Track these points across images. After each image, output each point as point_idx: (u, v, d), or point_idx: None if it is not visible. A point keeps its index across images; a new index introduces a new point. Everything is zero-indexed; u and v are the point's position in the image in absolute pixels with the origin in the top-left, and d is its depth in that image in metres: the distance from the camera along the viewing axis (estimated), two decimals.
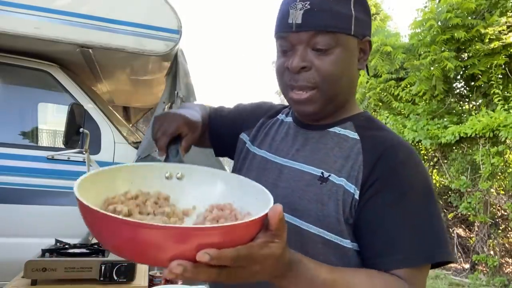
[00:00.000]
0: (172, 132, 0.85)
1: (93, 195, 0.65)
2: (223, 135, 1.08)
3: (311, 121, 0.88)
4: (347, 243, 0.75)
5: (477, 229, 5.46)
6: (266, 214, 0.57)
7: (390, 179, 0.75)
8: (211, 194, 0.75)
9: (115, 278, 1.64)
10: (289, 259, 0.61)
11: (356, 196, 0.75)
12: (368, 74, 0.97)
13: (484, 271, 5.16)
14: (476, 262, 5.21)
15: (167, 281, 2.10)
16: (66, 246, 1.85)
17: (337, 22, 0.77)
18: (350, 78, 0.83)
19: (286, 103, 0.98)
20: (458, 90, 6.31)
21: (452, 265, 5.54)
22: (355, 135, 0.82)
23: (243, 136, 1.02)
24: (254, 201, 0.68)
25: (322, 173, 0.79)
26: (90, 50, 2.75)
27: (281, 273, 0.60)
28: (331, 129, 0.86)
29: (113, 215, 0.52)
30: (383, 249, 0.72)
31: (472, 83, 5.81)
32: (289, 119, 0.96)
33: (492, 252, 5.23)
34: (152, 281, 2.01)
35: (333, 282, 0.65)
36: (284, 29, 0.80)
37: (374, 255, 0.73)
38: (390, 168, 0.75)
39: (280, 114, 1.00)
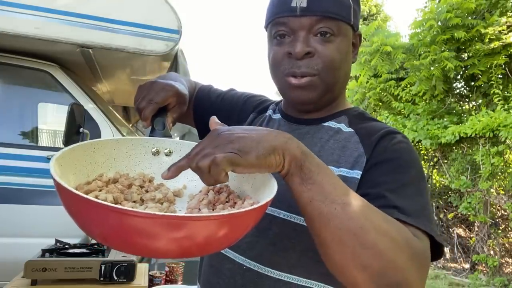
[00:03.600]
0: (159, 102, 0.78)
1: (70, 177, 0.58)
2: (207, 120, 1.02)
3: (304, 112, 0.85)
4: None
5: (477, 229, 5.46)
6: (274, 198, 0.54)
7: (388, 155, 0.74)
8: None
9: (115, 278, 1.64)
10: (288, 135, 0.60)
11: (358, 176, 0.73)
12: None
13: (484, 271, 5.16)
14: (476, 262, 5.21)
15: (167, 281, 2.10)
16: (66, 246, 1.85)
17: (340, 10, 0.77)
18: (347, 69, 0.83)
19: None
20: (458, 90, 6.31)
21: (452, 265, 5.54)
22: (349, 129, 0.82)
23: None
24: (252, 181, 0.64)
25: None
26: (90, 50, 2.75)
27: (288, 137, 0.59)
28: (325, 124, 0.84)
29: (110, 204, 0.46)
30: (385, 205, 0.65)
31: (472, 83, 5.81)
32: (277, 115, 0.92)
33: (492, 252, 5.23)
34: (152, 281, 2.01)
35: (353, 195, 0.60)
36: (285, 13, 0.77)
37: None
38: (388, 147, 0.75)
39: (268, 110, 0.95)
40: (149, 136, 0.76)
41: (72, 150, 0.60)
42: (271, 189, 0.57)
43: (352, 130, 0.81)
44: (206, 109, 1.02)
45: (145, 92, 0.80)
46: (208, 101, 1.03)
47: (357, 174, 0.74)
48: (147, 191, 0.65)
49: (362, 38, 0.89)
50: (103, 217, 0.46)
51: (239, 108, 1.00)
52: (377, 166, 0.73)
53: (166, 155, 0.72)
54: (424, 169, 0.87)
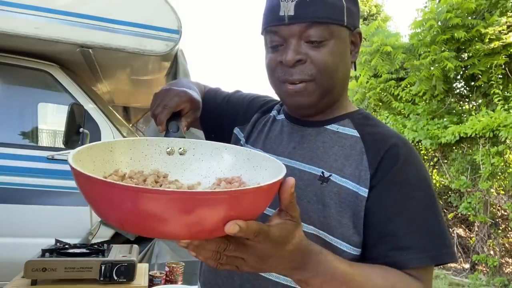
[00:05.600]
0: (173, 106, 0.81)
1: (90, 171, 0.60)
2: (214, 121, 1.04)
3: (305, 116, 0.85)
4: (347, 247, 0.73)
5: (477, 229, 5.46)
6: (282, 179, 0.55)
7: (396, 178, 0.74)
8: (216, 169, 0.72)
9: (115, 278, 1.64)
10: (307, 248, 0.60)
11: (366, 195, 0.74)
12: (355, 70, 0.90)
13: (484, 271, 5.16)
14: (476, 262, 5.21)
15: (167, 281, 2.10)
16: (66, 246, 1.85)
17: (330, 13, 0.76)
18: (345, 71, 0.82)
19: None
20: (458, 90, 6.31)
21: (452, 265, 5.54)
22: (355, 132, 0.81)
23: (237, 132, 0.98)
24: (264, 172, 0.66)
25: (322, 172, 0.77)
26: (90, 50, 2.75)
27: (301, 262, 0.60)
28: (328, 126, 0.84)
29: (127, 184, 0.48)
30: (395, 247, 0.71)
31: (472, 83, 5.81)
32: (282, 116, 0.93)
33: (492, 252, 5.23)
34: (152, 281, 2.01)
35: (352, 275, 0.64)
36: (275, 22, 0.77)
37: (385, 252, 0.72)
38: (395, 167, 0.75)
39: (272, 111, 0.96)
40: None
41: (90, 148, 0.63)
42: (280, 173, 0.58)
43: (358, 136, 0.80)
44: (212, 111, 1.03)
45: (160, 99, 0.82)
46: (214, 103, 1.04)
47: (364, 192, 0.74)
48: (161, 186, 0.67)
49: (362, 38, 0.88)
50: (119, 198, 0.48)
51: (244, 109, 1.01)
52: (385, 191, 0.74)
53: (181, 154, 0.74)
54: None
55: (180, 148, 0.74)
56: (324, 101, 0.81)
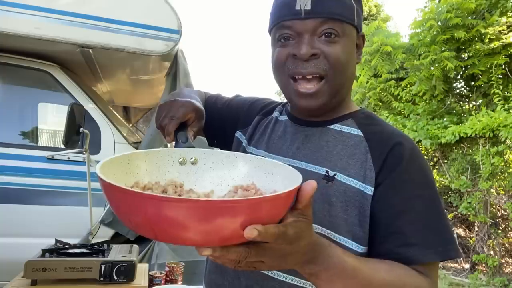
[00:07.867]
0: (180, 117, 0.82)
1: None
2: (215, 126, 1.05)
3: (312, 117, 0.86)
4: (353, 245, 0.74)
5: (477, 229, 5.46)
6: (299, 186, 0.56)
7: (401, 177, 0.75)
8: (228, 177, 0.74)
9: (115, 278, 1.64)
10: (318, 241, 0.61)
11: (371, 193, 0.75)
12: None
13: (484, 271, 5.16)
14: (476, 262, 5.21)
15: (167, 281, 2.10)
16: (66, 246, 1.85)
17: (344, 11, 0.77)
18: (352, 70, 0.83)
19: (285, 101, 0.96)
20: (458, 90, 6.31)
21: (452, 265, 5.54)
22: (358, 132, 0.82)
23: (239, 135, 0.99)
24: (276, 179, 0.67)
25: (327, 172, 0.78)
26: (90, 50, 2.75)
27: (312, 256, 0.60)
28: (331, 126, 0.84)
29: (166, 195, 0.51)
30: (402, 244, 0.71)
31: (472, 83, 5.81)
32: (284, 117, 0.93)
33: (492, 252, 5.23)
34: (152, 281, 2.01)
35: (360, 268, 0.65)
36: (290, 16, 0.78)
37: (393, 249, 0.72)
38: (399, 166, 0.75)
39: (274, 112, 0.97)
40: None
41: (111, 161, 0.65)
42: (296, 180, 0.59)
43: (361, 134, 0.81)
44: (213, 117, 1.04)
45: (166, 110, 0.84)
46: (215, 109, 1.05)
47: (370, 190, 0.75)
48: (180, 195, 0.69)
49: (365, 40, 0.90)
50: (149, 207, 0.49)
51: (245, 112, 1.01)
52: (390, 190, 0.74)
53: (192, 163, 0.76)
54: None
55: (192, 158, 0.76)
56: (332, 102, 0.82)
